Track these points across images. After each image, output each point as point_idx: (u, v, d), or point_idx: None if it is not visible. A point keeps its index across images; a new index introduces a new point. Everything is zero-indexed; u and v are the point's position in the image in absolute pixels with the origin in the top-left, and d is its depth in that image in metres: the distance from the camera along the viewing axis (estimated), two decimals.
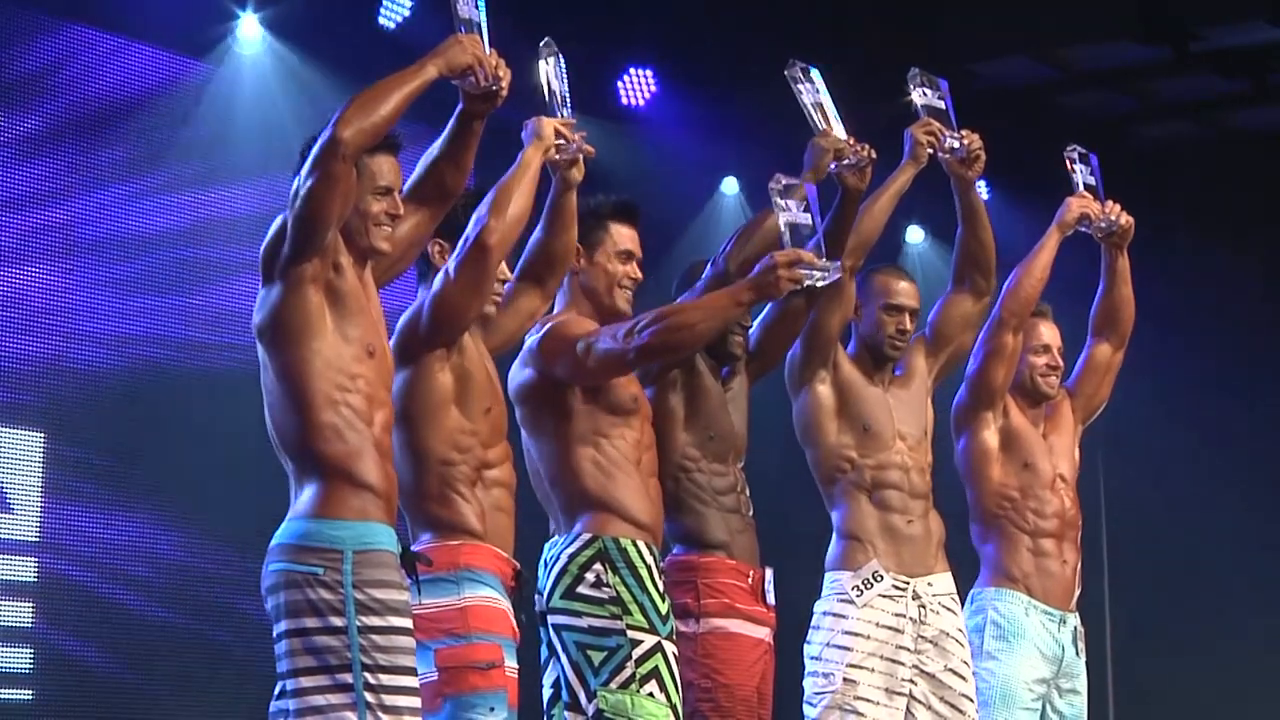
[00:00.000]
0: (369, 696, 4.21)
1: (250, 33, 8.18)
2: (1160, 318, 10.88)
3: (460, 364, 4.86)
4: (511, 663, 4.73)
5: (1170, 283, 10.89)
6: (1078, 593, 6.35)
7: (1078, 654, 6.28)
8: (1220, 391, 10.78)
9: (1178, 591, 10.44)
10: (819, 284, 5.16)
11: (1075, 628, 6.29)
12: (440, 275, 4.82)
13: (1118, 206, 6.36)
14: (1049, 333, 6.39)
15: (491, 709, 4.65)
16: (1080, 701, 6.28)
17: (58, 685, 7.57)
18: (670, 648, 5.12)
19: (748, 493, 5.65)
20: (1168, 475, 9.89)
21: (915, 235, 10.80)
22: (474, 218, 4.80)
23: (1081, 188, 6.36)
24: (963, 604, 6.04)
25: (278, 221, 4.34)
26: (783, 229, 5.20)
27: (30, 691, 7.54)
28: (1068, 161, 6.40)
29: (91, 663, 7.61)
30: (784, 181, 5.28)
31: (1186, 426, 10.54)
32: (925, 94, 6.02)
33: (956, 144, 5.95)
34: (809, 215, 5.22)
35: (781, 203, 5.22)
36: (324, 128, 4.26)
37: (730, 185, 10.17)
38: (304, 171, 4.27)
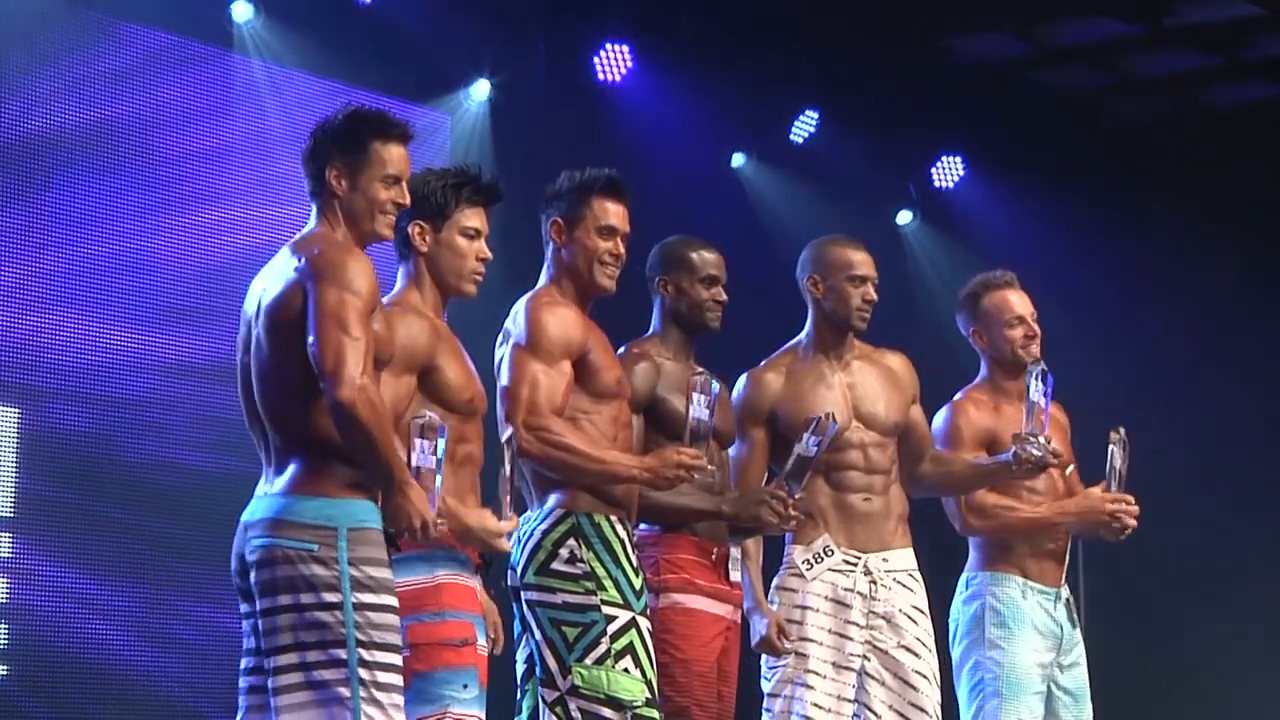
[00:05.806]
0: (363, 673, 4.22)
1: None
2: (1135, 293, 10.93)
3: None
4: (483, 640, 4.74)
5: (1145, 257, 10.91)
6: (1066, 564, 6.35)
7: (1074, 626, 6.27)
8: (1197, 367, 10.79)
9: (1152, 570, 10.44)
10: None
11: (1067, 600, 6.28)
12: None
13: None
14: (1019, 301, 6.27)
15: (465, 685, 4.65)
16: (1081, 673, 6.27)
17: (32, 660, 7.55)
18: (644, 623, 5.13)
19: (726, 470, 5.65)
20: (1141, 453, 9.89)
21: (904, 217, 10.78)
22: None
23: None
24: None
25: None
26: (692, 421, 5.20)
27: (5, 667, 7.53)
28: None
29: (66, 638, 7.60)
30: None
31: (1161, 403, 10.53)
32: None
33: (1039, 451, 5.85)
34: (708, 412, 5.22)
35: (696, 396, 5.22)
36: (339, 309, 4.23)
37: (738, 159, 10.18)
38: (332, 372, 4.19)
